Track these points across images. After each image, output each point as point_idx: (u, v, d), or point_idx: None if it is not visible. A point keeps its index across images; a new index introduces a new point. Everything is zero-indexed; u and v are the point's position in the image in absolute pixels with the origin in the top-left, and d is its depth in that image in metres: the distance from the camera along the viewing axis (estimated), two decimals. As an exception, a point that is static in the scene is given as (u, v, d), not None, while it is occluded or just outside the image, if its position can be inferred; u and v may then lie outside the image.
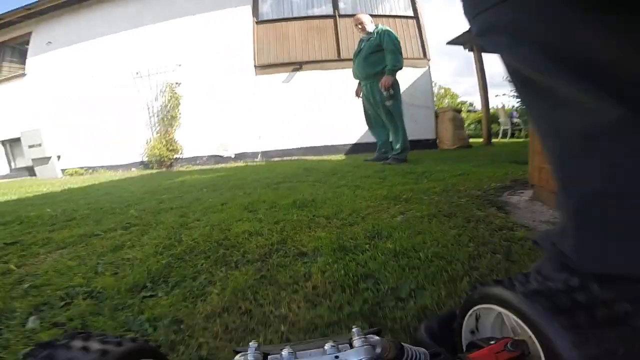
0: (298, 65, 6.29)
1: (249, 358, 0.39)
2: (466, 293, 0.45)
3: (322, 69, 6.32)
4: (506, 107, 10.55)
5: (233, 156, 6.16)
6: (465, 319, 0.45)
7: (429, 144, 6.28)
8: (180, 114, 6.23)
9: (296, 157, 6.23)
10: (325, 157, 5.87)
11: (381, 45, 3.50)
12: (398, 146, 3.60)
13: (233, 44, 6.22)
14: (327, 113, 6.37)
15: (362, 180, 2.37)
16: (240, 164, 5.94)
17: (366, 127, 4.20)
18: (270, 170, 3.84)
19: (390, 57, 3.43)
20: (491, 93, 13.84)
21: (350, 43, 6.42)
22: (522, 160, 2.47)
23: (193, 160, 6.20)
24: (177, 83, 6.36)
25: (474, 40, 6.32)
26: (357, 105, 4.54)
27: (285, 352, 0.39)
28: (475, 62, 6.63)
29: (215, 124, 6.16)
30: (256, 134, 6.15)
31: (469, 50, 6.83)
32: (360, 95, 3.99)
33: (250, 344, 0.41)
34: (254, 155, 6.18)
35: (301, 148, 6.40)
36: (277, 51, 6.41)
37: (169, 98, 6.25)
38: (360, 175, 2.64)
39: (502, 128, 9.74)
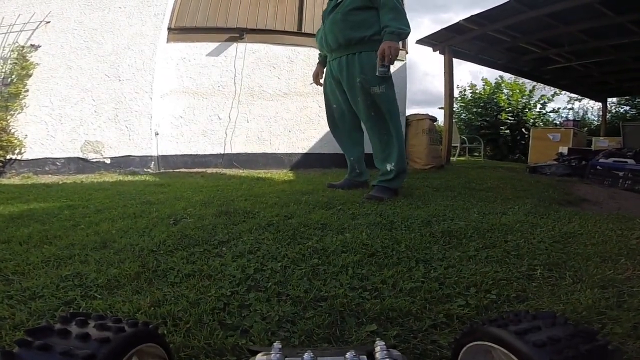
0: (238, 34, 4.28)
1: (272, 358, 0.39)
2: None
3: (273, 42, 4.37)
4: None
5: (108, 162, 3.84)
6: (460, 355, 0.47)
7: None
8: (27, 90, 3.88)
9: (215, 170, 4.07)
10: (262, 173, 3.80)
11: None
12: (390, 166, 2.12)
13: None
14: (270, 106, 4.33)
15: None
16: (112, 177, 3.66)
17: (325, 130, 2.70)
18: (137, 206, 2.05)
19: (390, 15, 2.00)
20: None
21: (317, 14, 4.56)
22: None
23: (40, 164, 3.79)
24: (33, 46, 4.08)
25: (448, 42, 5.23)
26: (317, 99, 2.78)
27: (306, 356, 0.40)
28: (445, 67, 5.41)
29: (83, 110, 3.86)
30: (151, 129, 3.91)
31: (439, 53, 5.52)
32: (322, 79, 2.48)
33: (275, 344, 0.42)
34: (143, 161, 3.90)
35: (225, 155, 4.24)
36: (208, 11, 4.40)
37: (14, 66, 3.91)
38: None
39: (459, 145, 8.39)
